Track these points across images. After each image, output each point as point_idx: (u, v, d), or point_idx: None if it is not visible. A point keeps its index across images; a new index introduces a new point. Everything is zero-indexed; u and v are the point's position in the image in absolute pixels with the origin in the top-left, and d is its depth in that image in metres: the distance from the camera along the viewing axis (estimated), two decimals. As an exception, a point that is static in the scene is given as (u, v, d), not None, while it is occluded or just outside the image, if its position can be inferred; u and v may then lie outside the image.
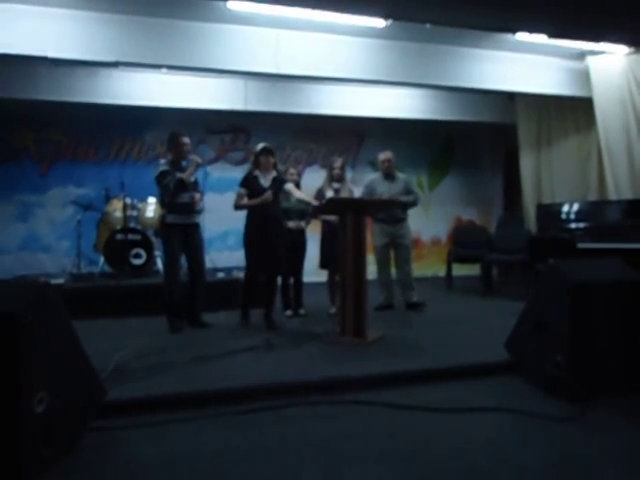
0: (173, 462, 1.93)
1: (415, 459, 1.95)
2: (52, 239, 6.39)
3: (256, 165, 4.19)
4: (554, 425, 2.23)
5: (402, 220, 4.85)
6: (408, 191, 4.85)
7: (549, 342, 2.59)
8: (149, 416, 2.31)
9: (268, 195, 4.04)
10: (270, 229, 4.08)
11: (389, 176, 4.83)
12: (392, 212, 4.73)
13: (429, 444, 2.07)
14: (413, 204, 4.91)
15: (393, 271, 4.94)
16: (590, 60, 5.42)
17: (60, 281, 4.90)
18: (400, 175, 4.94)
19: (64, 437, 1.92)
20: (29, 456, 1.72)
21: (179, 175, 3.97)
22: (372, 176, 5.07)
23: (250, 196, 4.11)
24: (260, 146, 4.22)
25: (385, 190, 4.75)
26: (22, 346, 1.70)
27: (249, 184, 4.13)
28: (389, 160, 4.81)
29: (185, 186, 3.98)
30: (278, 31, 4.64)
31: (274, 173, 4.20)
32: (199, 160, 4.09)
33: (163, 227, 4.12)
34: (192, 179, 4.10)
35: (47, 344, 1.85)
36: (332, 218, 4.32)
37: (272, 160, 4.18)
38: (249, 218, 4.15)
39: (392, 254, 4.90)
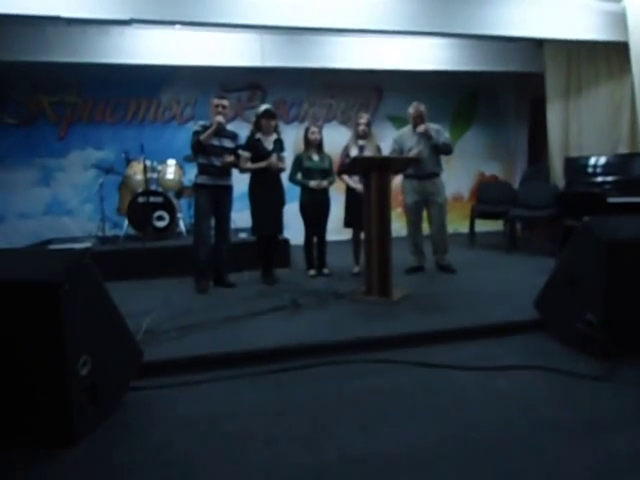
0: (207, 419, 1.99)
1: (448, 415, 1.98)
2: (75, 203, 6.45)
3: (258, 127, 4.20)
4: (586, 383, 2.23)
5: (435, 175, 4.53)
6: None
7: (581, 300, 2.56)
8: (183, 376, 2.38)
9: (275, 161, 4.11)
10: (274, 191, 4.22)
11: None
12: (424, 166, 4.44)
13: (461, 401, 2.10)
14: (446, 149, 4.52)
15: (426, 228, 4.68)
16: (627, 0, 5.08)
17: (87, 244, 4.98)
18: (432, 126, 4.55)
19: (107, 397, 1.99)
20: (77, 415, 1.80)
21: (200, 135, 3.96)
22: (402, 129, 4.77)
23: (254, 159, 4.15)
24: (262, 108, 4.25)
25: (413, 144, 4.48)
26: (64, 313, 1.74)
27: (253, 147, 4.17)
28: (419, 112, 4.49)
29: (202, 147, 3.97)
30: (294, -19, 4.42)
31: (275, 136, 4.25)
32: (220, 120, 3.96)
33: (194, 188, 4.19)
34: (222, 143, 4.05)
35: (87, 310, 1.90)
36: (358, 187, 4.28)
37: (273, 123, 4.21)
38: (254, 180, 4.24)
39: (424, 212, 4.65)
